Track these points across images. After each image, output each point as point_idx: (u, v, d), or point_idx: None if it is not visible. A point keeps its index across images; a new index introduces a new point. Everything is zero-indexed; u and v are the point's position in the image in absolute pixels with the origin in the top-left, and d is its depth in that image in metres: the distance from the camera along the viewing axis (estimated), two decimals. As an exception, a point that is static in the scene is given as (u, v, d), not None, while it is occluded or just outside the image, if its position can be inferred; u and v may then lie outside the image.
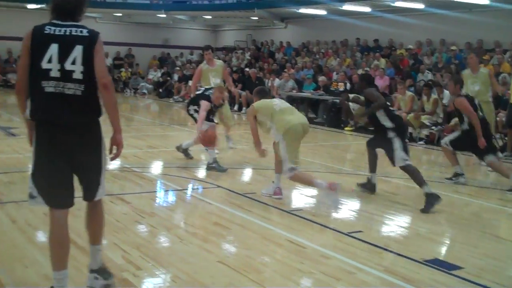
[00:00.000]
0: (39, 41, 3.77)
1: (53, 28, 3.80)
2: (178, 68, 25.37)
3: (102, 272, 4.22)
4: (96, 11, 26.98)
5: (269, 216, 6.47)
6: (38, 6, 24.39)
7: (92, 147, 3.97)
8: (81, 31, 3.82)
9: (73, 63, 3.75)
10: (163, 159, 10.16)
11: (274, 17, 24.79)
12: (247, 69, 21.07)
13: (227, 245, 5.45)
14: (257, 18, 24.85)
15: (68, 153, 3.87)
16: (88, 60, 3.78)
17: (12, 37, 25.28)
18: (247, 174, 9.42)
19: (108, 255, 4.92)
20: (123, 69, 26.83)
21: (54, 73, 3.74)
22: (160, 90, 24.72)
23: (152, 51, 28.77)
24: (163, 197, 7.51)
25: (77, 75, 3.75)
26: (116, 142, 4.05)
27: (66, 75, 3.74)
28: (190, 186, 8.11)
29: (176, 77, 24.31)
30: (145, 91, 25.06)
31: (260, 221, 6.22)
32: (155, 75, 26.19)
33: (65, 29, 3.80)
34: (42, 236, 5.40)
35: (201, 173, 9.17)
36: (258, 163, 10.05)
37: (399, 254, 5.28)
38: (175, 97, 22.75)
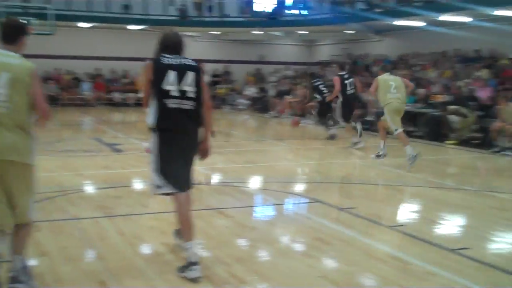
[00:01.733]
0: (160, 68, 4.85)
1: (168, 60, 4.90)
2: (274, 83, 25.57)
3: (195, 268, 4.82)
4: (195, 30, 27.75)
5: (371, 232, 6.37)
6: (138, 27, 25.43)
7: (196, 146, 5.09)
8: (189, 60, 5.01)
9: (186, 85, 4.86)
10: (262, 173, 10.25)
11: (370, 30, 24.51)
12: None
13: (329, 261, 5.40)
14: (352, 31, 24.68)
15: (184, 151, 4.97)
16: (198, 83, 4.91)
17: (114, 57, 26.56)
18: (346, 188, 9.32)
19: (212, 268, 5.02)
20: (220, 86, 27.39)
21: (174, 92, 4.81)
22: (257, 105, 25.02)
23: (248, 67, 29.19)
24: (263, 211, 7.57)
25: (190, 94, 4.88)
26: (207, 147, 5.16)
27: (183, 95, 4.84)
28: (289, 200, 8.13)
29: (272, 92, 24.51)
30: (242, 106, 25.44)
31: (362, 236, 6.13)
32: (251, 91, 26.54)
33: (178, 60, 4.94)
34: (148, 249, 5.58)
35: (300, 187, 9.19)
36: (358, 177, 9.96)
37: (509, 273, 5.04)
38: (271, 112, 22.94)
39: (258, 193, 8.66)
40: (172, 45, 5.07)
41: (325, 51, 29.67)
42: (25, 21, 20.46)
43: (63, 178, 9.10)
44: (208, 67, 28.21)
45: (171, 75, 4.83)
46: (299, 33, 27.36)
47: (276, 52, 30.23)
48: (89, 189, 8.55)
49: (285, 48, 30.63)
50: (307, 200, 8.02)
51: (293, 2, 26.28)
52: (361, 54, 25.65)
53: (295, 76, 26.11)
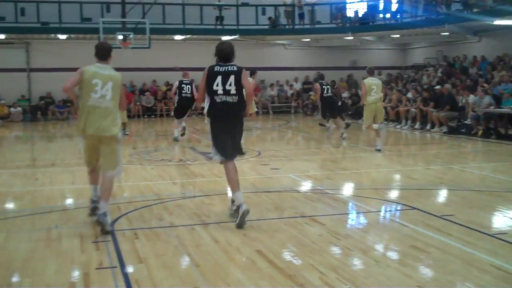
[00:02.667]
0: (212, 74, 6.82)
1: (218, 67, 6.86)
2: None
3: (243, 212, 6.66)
4: (285, 38, 27.92)
5: (470, 240, 6.11)
6: (230, 37, 25.85)
7: (239, 127, 7.07)
8: (233, 66, 6.87)
9: (230, 85, 6.80)
10: (356, 180, 10.11)
11: (466, 31, 23.68)
12: (438, 86, 20.36)
13: (426, 270, 5.23)
14: (447, 33, 23.95)
15: (229, 130, 6.97)
16: (237, 83, 6.81)
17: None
18: (442, 195, 9.03)
19: (305, 275, 4.99)
20: (312, 93, 27.32)
21: (220, 91, 6.80)
22: (349, 112, 24.75)
23: (340, 74, 28.98)
24: (357, 219, 7.44)
25: (233, 91, 6.82)
26: (247, 114, 7.20)
27: (228, 93, 6.81)
28: (384, 207, 7.97)
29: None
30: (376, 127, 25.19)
31: (461, 245, 5.91)
32: (344, 96, 26.29)
33: (224, 67, 6.84)
34: (242, 256, 5.61)
35: (395, 194, 9.00)
36: (456, 183, 9.64)
37: None
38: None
39: (352, 200, 8.54)
40: (224, 56, 6.90)
41: (419, 55, 28.98)
42: (124, 35, 21.37)
43: (159, 187, 9.36)
44: (300, 75, 28.34)
45: (219, 78, 6.79)
46: (392, 37, 26.88)
47: (369, 57, 29.84)
48: (185, 197, 8.73)
49: (378, 53, 30.19)
50: (402, 207, 7.82)
51: (385, 5, 25.81)
52: (458, 56, 24.82)
53: (389, 81, 25.63)
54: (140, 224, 6.95)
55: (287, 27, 26.92)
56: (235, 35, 25.58)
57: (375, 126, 13.53)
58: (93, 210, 6.96)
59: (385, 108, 20.90)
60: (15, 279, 5.10)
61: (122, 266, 5.35)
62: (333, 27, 26.59)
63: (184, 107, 15.91)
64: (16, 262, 5.52)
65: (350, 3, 27.59)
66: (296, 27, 26.67)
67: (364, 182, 9.87)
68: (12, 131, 21.35)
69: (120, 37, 21.99)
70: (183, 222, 7.02)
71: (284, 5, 26.55)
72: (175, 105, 16.25)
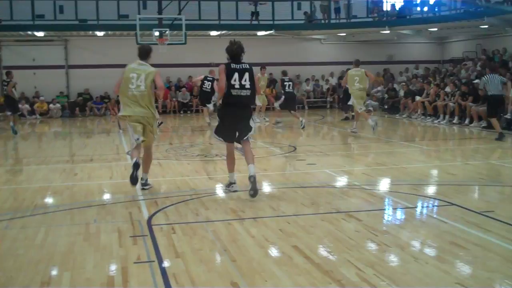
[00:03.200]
0: (230, 71, 8.04)
1: (234, 65, 8.09)
2: (403, 83, 25.00)
3: (254, 183, 7.92)
4: (321, 33, 27.77)
5: (510, 237, 5.99)
6: (266, 33, 25.85)
7: (248, 114, 8.31)
8: (246, 64, 8.15)
9: (245, 80, 8.05)
10: (392, 176, 10.00)
11: (506, 24, 23.19)
12: (476, 80, 20.00)
13: (465, 267, 5.14)
14: (487, 26, 23.50)
15: (239, 116, 8.19)
16: (252, 79, 8.13)
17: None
18: (482, 190, 8.86)
19: (342, 271, 4.96)
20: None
21: (237, 85, 8.02)
22: (386, 106, 24.54)
23: (376, 68, 28.68)
24: (395, 215, 7.37)
25: (247, 86, 8.06)
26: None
27: (243, 87, 8.04)
28: (422, 203, 7.87)
29: (402, 92, 23.92)
30: (370, 108, 25.03)
31: (501, 241, 5.80)
32: (380, 91, 26.07)
33: (240, 65, 8.11)
34: (278, 251, 5.61)
35: (433, 189, 8.88)
36: (496, 179, 9.48)
37: None
38: (401, 112, 22.38)
39: (389, 195, 8.46)
40: (235, 55, 8.17)
41: (457, 48, 28.52)
42: (160, 32, 21.52)
43: (196, 182, 9.41)
44: (336, 69, 28.16)
45: (236, 75, 8.02)
46: (429, 31, 26.49)
47: (405, 51, 29.50)
48: (221, 192, 8.76)
49: (415, 47, 29.78)
50: (440, 203, 7.71)
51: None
52: (497, 49, 24.33)
53: (426, 75, 25.30)
54: (177, 218, 7.00)
55: (322, 21, 26.74)
56: (271, 30, 25.55)
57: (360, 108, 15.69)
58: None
59: (422, 102, 20.73)
60: (55, 272, 5.19)
61: (160, 260, 5.39)
62: (369, 21, 26.32)
63: (202, 98, 19.34)
64: (57, 256, 5.61)
65: (387, -4, 27.27)
66: (332, 21, 26.47)
67: (401, 177, 9.76)
68: (51, 127, 21.74)
69: (157, 33, 22.17)
70: (219, 217, 7.05)
71: (320, -1, 26.42)
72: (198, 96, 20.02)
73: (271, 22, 25.35)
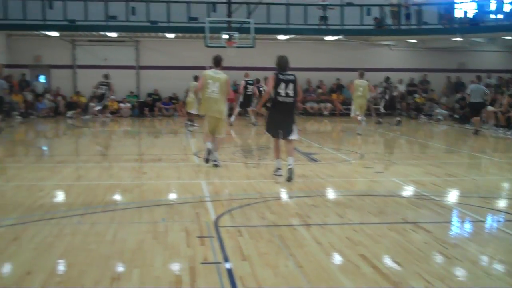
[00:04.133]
0: (278, 80, 9.59)
1: (282, 76, 9.65)
2: (468, 94, 24.39)
3: (290, 172, 9.67)
4: (390, 39, 27.37)
5: None
6: (334, 38, 25.71)
7: (292, 117, 9.86)
8: (292, 75, 9.71)
9: (289, 89, 9.58)
10: (463, 187, 9.75)
11: None
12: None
13: (540, 285, 4.96)
14: None
15: (287, 117, 9.79)
16: (295, 88, 9.67)
17: (309, 68, 27.06)
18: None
19: (410, 283, 4.88)
20: (417, 95, 26.68)
21: (283, 93, 9.57)
22: (456, 115, 23.96)
23: (447, 76, 28.12)
24: (465, 228, 7.17)
25: (291, 94, 9.61)
26: (299, 108, 13.69)
27: (288, 95, 9.60)
28: (493, 217, 7.64)
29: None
30: (440, 117, 24.52)
31: None
32: (449, 100, 25.49)
33: (286, 76, 9.66)
34: (345, 259, 5.55)
35: (504, 203, 8.61)
36: None
37: None
38: (472, 122, 21.80)
39: (459, 208, 8.24)
40: (283, 67, 9.80)
41: (533, 57, 27.57)
42: (229, 35, 21.76)
43: (261, 185, 9.44)
44: (404, 76, 27.69)
45: (282, 84, 9.63)
46: (504, 39, 25.71)
47: (478, 59, 28.71)
48: (287, 196, 8.76)
49: (488, 55, 28.94)
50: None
51: (497, 6, 24.72)
52: None
53: (499, 85, 24.56)
54: (243, 221, 7.04)
55: (392, 27, 26.36)
56: (339, 35, 25.39)
57: (360, 118, 17.72)
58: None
59: (494, 113, 20.12)
60: (125, 269, 5.31)
61: (226, 262, 5.44)
62: (441, 28, 25.75)
63: (246, 101, 20.75)
64: (126, 252, 5.74)
65: (459, 3, 26.61)
66: (402, 27, 26.06)
67: (471, 189, 9.51)
68: (121, 126, 22.27)
69: (225, 36, 22.38)
70: (285, 222, 7.05)
71: (390, 5, 26.02)
72: (241, 100, 21.12)
73: (339, 27, 25.17)
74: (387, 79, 23.40)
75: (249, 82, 20.17)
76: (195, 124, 19.25)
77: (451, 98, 26.50)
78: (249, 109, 21.53)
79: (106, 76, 22.05)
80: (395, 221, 7.13)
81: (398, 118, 22.17)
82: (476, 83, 19.37)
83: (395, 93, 23.45)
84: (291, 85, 9.61)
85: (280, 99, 9.62)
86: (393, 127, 21.22)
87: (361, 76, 18.11)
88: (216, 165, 10.98)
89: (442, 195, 8.94)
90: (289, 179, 9.58)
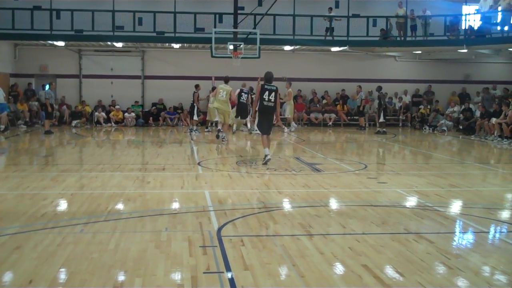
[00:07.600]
0: (263, 89, 12.91)
1: (267, 86, 12.89)
2: (479, 103, 24.36)
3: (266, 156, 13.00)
4: (396, 50, 27.38)
5: None
6: (340, 49, 25.71)
7: (272, 119, 13.52)
8: (274, 86, 12.95)
9: (271, 96, 12.82)
10: (466, 198, 9.72)
11: None
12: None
13: (543, 296, 4.94)
14: None
15: (269, 119, 13.16)
16: (276, 96, 12.96)
17: (314, 79, 27.13)
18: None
19: (413, 294, 4.86)
20: (421, 106, 26.66)
21: (266, 99, 12.81)
22: (461, 127, 23.94)
23: (452, 87, 28.12)
24: (468, 239, 7.16)
25: (272, 100, 12.84)
26: (277, 121, 14.41)
27: (270, 101, 12.82)
28: (496, 228, 7.62)
29: (478, 113, 23.29)
30: (444, 128, 24.48)
31: None
32: (455, 111, 25.48)
33: (270, 86, 12.90)
34: (348, 270, 5.54)
35: (507, 214, 8.59)
36: None
37: None
38: (477, 134, 21.78)
39: (462, 218, 8.22)
40: (269, 80, 12.93)
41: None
42: (234, 45, 21.84)
43: (265, 195, 9.44)
44: (410, 87, 27.69)
45: (267, 92, 12.71)
46: (510, 50, 25.69)
47: (483, 71, 28.72)
48: (289, 206, 8.76)
49: (493, 67, 28.95)
50: (517, 229, 7.44)
51: (503, 17, 24.68)
52: None
53: (505, 96, 24.52)
54: (246, 231, 7.04)
55: (398, 38, 26.37)
56: (345, 46, 25.42)
57: None
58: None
59: (499, 124, 20.09)
60: (127, 277, 5.31)
61: (229, 272, 5.43)
62: (446, 39, 25.74)
63: (240, 110, 20.11)
64: (129, 261, 5.75)
65: (465, 15, 26.61)
66: (408, 39, 26.08)
67: (475, 200, 9.48)
68: (125, 135, 22.32)
69: (231, 47, 22.45)
70: (288, 232, 7.05)
71: (396, 16, 26.05)
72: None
73: (345, 38, 25.21)
74: (379, 88, 23.54)
75: (244, 91, 20.35)
76: (224, 139, 18.58)
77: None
78: (247, 119, 21.63)
79: None
80: (398, 232, 7.12)
81: (384, 129, 23.14)
82: None
83: (387, 99, 23.97)
84: (273, 94, 12.79)
85: (264, 103, 12.81)
86: (378, 135, 21.42)
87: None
88: (223, 141, 17.91)
89: (445, 206, 8.93)
90: (265, 164, 12.74)
